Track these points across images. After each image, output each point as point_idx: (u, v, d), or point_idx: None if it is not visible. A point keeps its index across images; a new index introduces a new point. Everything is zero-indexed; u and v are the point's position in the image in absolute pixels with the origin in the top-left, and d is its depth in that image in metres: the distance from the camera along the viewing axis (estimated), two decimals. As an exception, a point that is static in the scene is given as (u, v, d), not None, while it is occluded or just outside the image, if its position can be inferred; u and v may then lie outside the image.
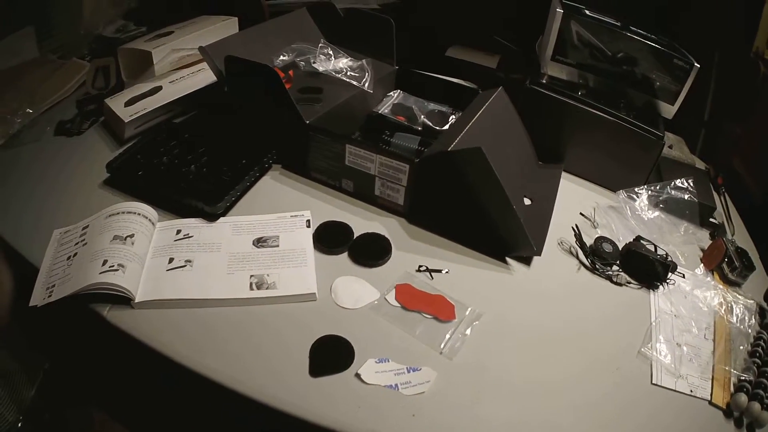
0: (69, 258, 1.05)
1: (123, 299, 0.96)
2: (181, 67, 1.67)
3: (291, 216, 1.15)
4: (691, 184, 1.32)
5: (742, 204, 1.52)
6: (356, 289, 1.01)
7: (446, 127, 1.35)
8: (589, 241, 1.18)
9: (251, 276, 1.01)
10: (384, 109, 1.42)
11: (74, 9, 2.11)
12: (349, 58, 1.46)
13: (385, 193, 1.18)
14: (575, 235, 1.20)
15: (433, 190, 1.13)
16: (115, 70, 1.73)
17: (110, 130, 1.53)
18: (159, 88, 1.55)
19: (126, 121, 1.41)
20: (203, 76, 1.58)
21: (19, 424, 1.60)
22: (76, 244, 1.08)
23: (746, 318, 1.10)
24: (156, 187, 1.21)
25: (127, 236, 1.04)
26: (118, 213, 1.10)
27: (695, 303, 1.12)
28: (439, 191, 1.13)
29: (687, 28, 1.70)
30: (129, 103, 1.49)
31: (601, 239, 1.17)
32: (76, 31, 2.10)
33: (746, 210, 1.50)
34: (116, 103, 1.49)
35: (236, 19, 1.78)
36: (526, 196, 1.22)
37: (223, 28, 1.76)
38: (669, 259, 1.13)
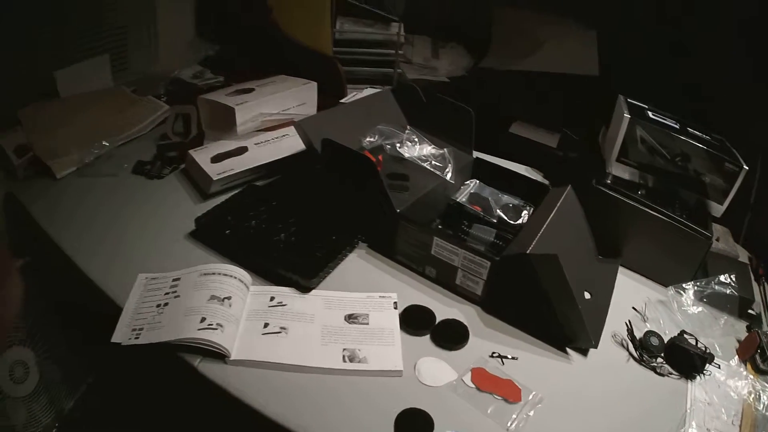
0: (159, 306, 1.15)
1: (215, 354, 1.06)
2: (264, 129, 1.72)
3: (380, 296, 1.24)
4: (734, 279, 1.38)
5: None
6: (437, 369, 1.11)
7: (520, 221, 1.45)
8: (638, 334, 1.27)
9: (344, 349, 1.12)
10: (462, 197, 1.52)
11: (152, 46, 2.16)
12: (432, 146, 1.55)
13: (465, 283, 1.28)
14: (627, 329, 1.29)
15: (508, 284, 1.22)
16: (196, 120, 1.77)
17: (191, 180, 1.58)
18: (245, 149, 1.61)
19: (214, 179, 1.47)
20: (288, 143, 1.64)
21: (54, 431, 1.71)
22: (167, 294, 1.18)
23: (772, 405, 1.18)
24: (247, 251, 1.30)
25: (225, 298, 1.14)
26: (214, 273, 1.20)
27: (727, 392, 1.19)
28: (513, 286, 1.21)
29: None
30: (215, 159, 1.55)
31: (649, 333, 1.26)
32: (151, 69, 2.14)
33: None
34: (202, 157, 1.55)
35: (315, 84, 1.84)
36: (586, 290, 1.31)
37: (304, 91, 1.82)
38: (707, 351, 1.22)
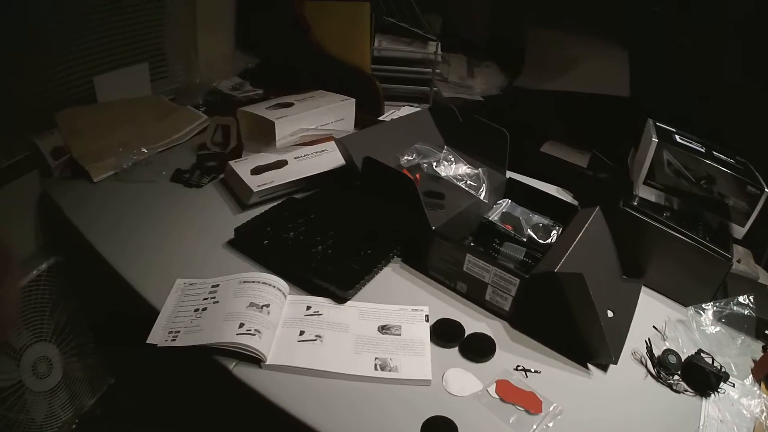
0: (197, 310, 1.22)
1: (250, 358, 1.12)
2: (303, 144, 1.78)
3: (412, 309, 1.31)
4: (752, 300, 1.42)
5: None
6: (464, 380, 1.18)
7: (549, 240, 1.51)
8: (657, 352, 1.32)
9: (376, 358, 1.18)
10: (494, 216, 1.58)
11: (191, 57, 2.21)
12: (468, 166, 1.61)
13: (494, 299, 1.34)
14: (647, 347, 1.35)
15: (535, 301, 1.28)
16: (236, 132, 1.83)
17: (230, 191, 1.64)
18: (285, 162, 1.67)
19: (255, 190, 1.53)
20: (327, 158, 1.70)
21: (74, 426, 1.79)
22: (205, 299, 1.25)
23: (784, 423, 1.23)
24: (285, 261, 1.37)
25: (263, 305, 1.22)
26: (253, 281, 1.27)
27: (740, 410, 1.23)
28: (540, 302, 1.27)
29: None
30: (255, 171, 1.61)
31: (667, 351, 1.31)
32: (191, 79, 2.21)
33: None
34: (242, 169, 1.61)
35: (354, 101, 1.91)
36: (609, 308, 1.34)
37: (342, 107, 1.88)
38: (723, 370, 1.27)
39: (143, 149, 1.73)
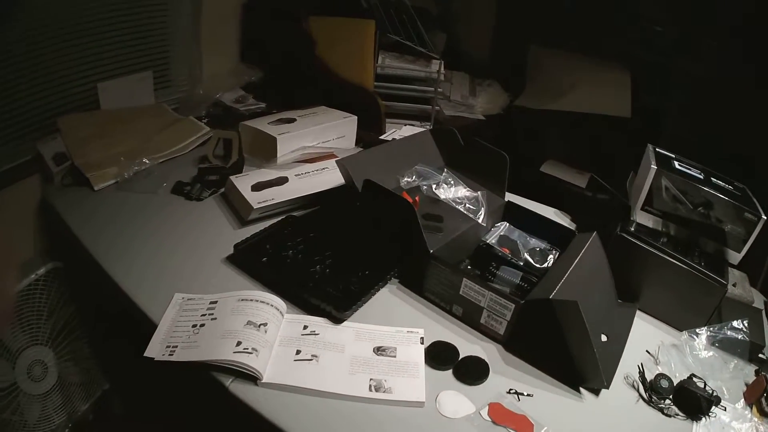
0: (195, 326, 1.24)
1: (247, 376, 1.14)
2: (304, 161, 1.79)
3: (408, 331, 1.32)
4: (746, 325, 1.43)
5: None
6: (457, 403, 1.19)
7: (545, 265, 1.53)
8: (650, 376, 1.33)
9: (371, 379, 1.19)
10: (492, 239, 1.58)
11: (195, 68, 2.24)
12: (467, 189, 1.63)
13: (489, 323, 1.35)
14: (639, 372, 1.36)
15: (529, 325, 1.29)
16: (237, 146, 1.84)
17: (230, 205, 1.65)
18: (285, 179, 1.68)
19: (255, 207, 1.55)
20: (328, 177, 1.71)
21: (66, 430, 1.80)
22: (203, 315, 1.27)
23: (773, 447, 1.24)
24: (283, 280, 1.38)
25: (261, 324, 1.23)
26: (251, 300, 1.29)
27: None
28: (535, 327, 1.28)
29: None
30: (256, 188, 1.62)
31: (660, 376, 1.32)
32: (194, 90, 2.22)
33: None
34: (243, 185, 1.62)
35: (356, 118, 1.93)
36: (603, 333, 1.35)
37: (344, 124, 1.90)
38: (714, 394, 1.28)
39: (145, 159, 1.75)
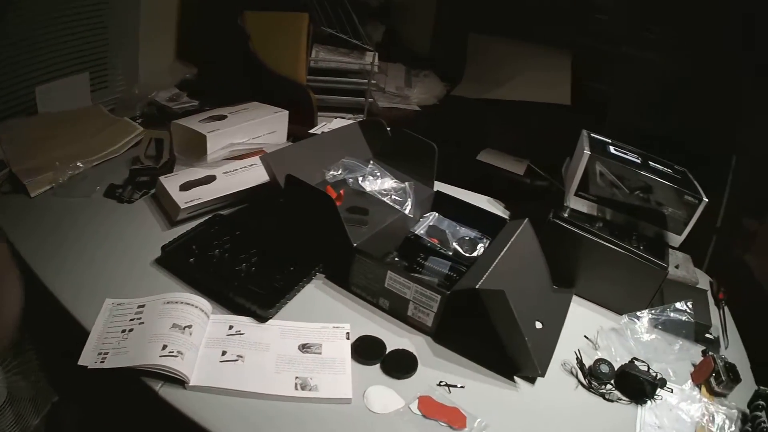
0: (124, 331, 1.19)
1: (175, 380, 1.10)
2: (233, 158, 1.77)
3: (333, 327, 1.29)
4: (690, 306, 1.42)
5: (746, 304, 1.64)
6: (385, 397, 1.16)
7: (475, 254, 1.49)
8: (588, 362, 1.31)
9: (296, 377, 1.16)
10: (420, 230, 1.56)
11: (132, 67, 2.22)
12: (394, 180, 1.59)
13: (416, 315, 1.31)
14: (577, 358, 1.33)
15: (457, 316, 1.26)
16: (169, 145, 1.81)
17: (160, 206, 1.62)
18: (213, 178, 1.65)
19: (182, 207, 1.52)
20: (256, 174, 1.67)
21: None
22: (132, 320, 1.22)
23: (726, 426, 1.22)
24: (209, 280, 1.35)
25: (186, 326, 1.19)
26: (176, 302, 1.24)
27: (679, 415, 1.23)
28: (463, 318, 1.25)
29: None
30: (184, 187, 1.59)
31: (599, 361, 1.30)
32: (130, 90, 2.19)
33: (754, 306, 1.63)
34: (171, 185, 1.59)
35: (287, 113, 1.89)
36: (538, 320, 1.34)
37: (275, 120, 1.87)
38: (659, 377, 1.26)
39: (79, 163, 1.70)
